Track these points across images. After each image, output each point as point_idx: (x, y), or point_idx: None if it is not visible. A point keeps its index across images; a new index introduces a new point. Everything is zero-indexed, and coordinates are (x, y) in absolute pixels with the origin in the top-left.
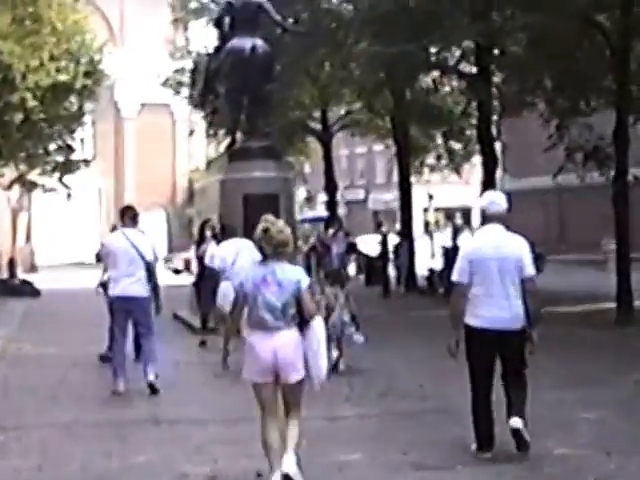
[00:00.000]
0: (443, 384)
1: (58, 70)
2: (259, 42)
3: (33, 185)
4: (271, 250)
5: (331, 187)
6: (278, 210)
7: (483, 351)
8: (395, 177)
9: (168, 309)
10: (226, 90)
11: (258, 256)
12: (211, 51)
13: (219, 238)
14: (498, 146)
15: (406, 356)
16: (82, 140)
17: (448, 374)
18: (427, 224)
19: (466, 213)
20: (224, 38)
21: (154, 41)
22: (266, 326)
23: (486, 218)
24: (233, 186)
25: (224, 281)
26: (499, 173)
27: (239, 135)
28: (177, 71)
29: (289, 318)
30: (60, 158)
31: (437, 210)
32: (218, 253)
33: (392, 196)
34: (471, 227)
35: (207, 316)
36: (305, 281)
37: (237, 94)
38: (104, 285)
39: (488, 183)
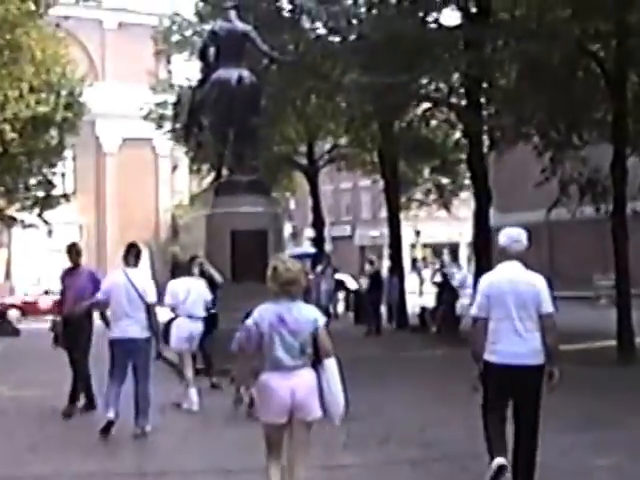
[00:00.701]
0: (445, 429)
1: (38, 102)
2: (245, 73)
3: (12, 220)
4: (278, 288)
5: (318, 223)
6: (266, 246)
7: (500, 386)
8: (382, 213)
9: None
10: (211, 122)
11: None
12: (195, 84)
13: (207, 275)
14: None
15: (403, 399)
16: (63, 175)
17: (448, 418)
18: (414, 260)
19: (454, 249)
20: (209, 69)
21: (136, 75)
22: (283, 366)
23: (505, 255)
24: (220, 221)
25: (178, 318)
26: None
27: (225, 169)
28: (159, 104)
29: (306, 357)
30: (40, 193)
31: (424, 246)
32: (169, 289)
33: (378, 232)
34: (459, 263)
35: (210, 356)
36: (322, 319)
37: (223, 126)
38: (167, 330)
39: (481, 217)
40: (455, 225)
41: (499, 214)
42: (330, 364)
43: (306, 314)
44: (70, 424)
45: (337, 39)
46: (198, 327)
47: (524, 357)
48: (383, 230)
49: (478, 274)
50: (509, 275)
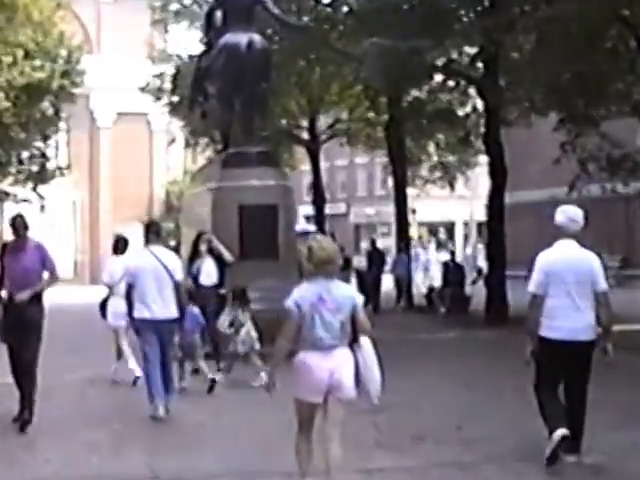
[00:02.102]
0: (483, 423)
1: (33, 69)
2: (256, 37)
3: (5, 195)
4: (313, 268)
5: (319, 200)
6: (277, 222)
7: (557, 362)
8: (378, 190)
9: None
10: (218, 89)
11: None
12: (198, 52)
13: (216, 253)
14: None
15: (430, 387)
16: (56, 146)
17: (483, 409)
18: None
19: (449, 228)
20: (215, 33)
21: (131, 48)
22: (323, 345)
23: (562, 234)
24: (227, 195)
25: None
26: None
27: (232, 139)
28: (157, 76)
29: (344, 336)
30: (34, 167)
31: (420, 225)
32: (108, 267)
33: (374, 210)
34: (454, 242)
35: (219, 340)
36: (360, 298)
37: (231, 94)
38: (103, 307)
39: (496, 194)
40: (451, 204)
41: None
42: (366, 342)
43: (344, 293)
44: (68, 413)
45: (345, 9)
46: None
47: (581, 333)
48: (379, 208)
49: (492, 252)
50: (568, 253)
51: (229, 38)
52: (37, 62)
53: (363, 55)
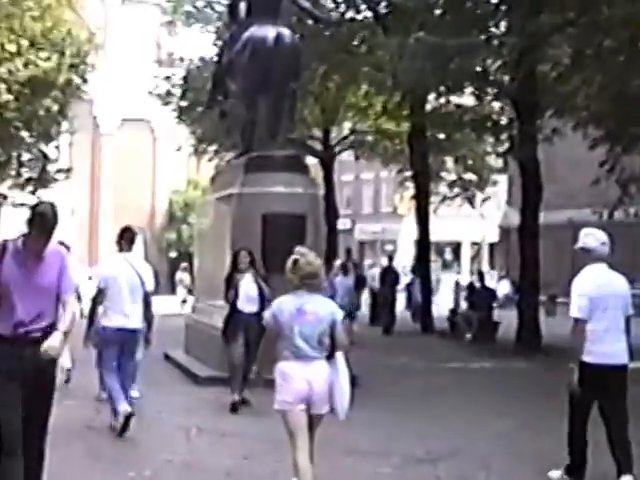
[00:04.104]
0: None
1: (39, 60)
2: (285, 31)
3: (3, 199)
4: (298, 281)
5: (331, 215)
6: (304, 234)
7: (596, 387)
8: (384, 207)
9: (157, 346)
10: (242, 87)
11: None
12: (207, 56)
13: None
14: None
15: (482, 429)
16: (58, 147)
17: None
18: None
19: (455, 248)
20: (239, 27)
21: (137, 54)
22: (302, 355)
23: (593, 257)
24: (250, 203)
25: None
26: (504, 207)
27: (256, 142)
28: (166, 78)
29: (323, 349)
30: (34, 173)
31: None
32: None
33: (379, 227)
34: (460, 263)
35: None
36: (340, 313)
37: (256, 92)
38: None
39: (530, 215)
40: (458, 223)
41: (518, 214)
42: (340, 358)
43: (325, 307)
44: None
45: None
46: None
47: (621, 356)
48: (384, 225)
49: (525, 276)
50: (605, 277)
51: (255, 31)
52: (43, 54)
53: (399, 55)
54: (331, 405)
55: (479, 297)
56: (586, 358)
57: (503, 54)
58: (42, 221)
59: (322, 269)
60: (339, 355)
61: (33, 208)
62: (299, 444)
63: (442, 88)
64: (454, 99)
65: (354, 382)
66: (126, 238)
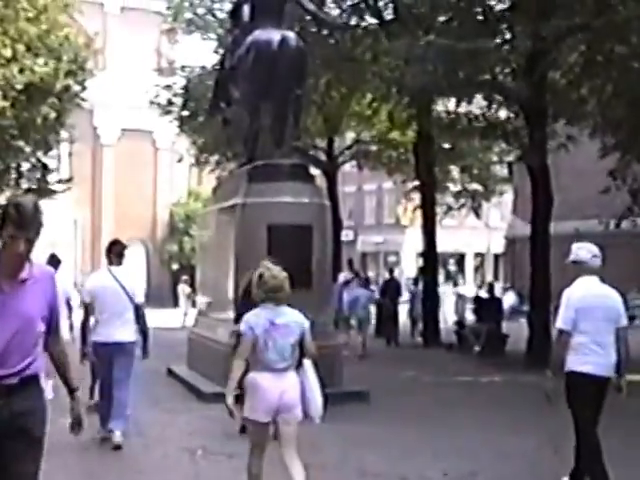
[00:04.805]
0: None
1: (36, 66)
2: (290, 34)
3: None
4: (263, 294)
5: (335, 226)
6: (311, 245)
7: (592, 398)
8: (386, 218)
9: (159, 360)
10: (245, 93)
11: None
12: (208, 64)
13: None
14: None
15: (501, 448)
16: (58, 158)
17: None
18: (422, 269)
19: (459, 259)
20: (242, 30)
21: (138, 64)
22: (274, 368)
23: (584, 270)
24: (254, 213)
25: None
26: (510, 217)
27: (260, 150)
28: (167, 87)
29: (294, 359)
30: (33, 180)
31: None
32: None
33: (382, 238)
34: (464, 274)
35: None
36: (307, 323)
37: (259, 98)
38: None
39: (540, 225)
40: (462, 234)
41: (525, 224)
42: (309, 365)
43: (294, 318)
44: None
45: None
46: None
47: (610, 369)
48: (386, 237)
49: (536, 288)
50: (595, 290)
51: (259, 35)
52: (40, 60)
53: (407, 58)
54: (306, 412)
55: (488, 309)
56: (579, 368)
57: (512, 60)
58: (19, 215)
59: (287, 282)
60: (307, 363)
61: (7, 202)
62: (257, 453)
63: (451, 93)
64: (462, 105)
65: (365, 398)
66: (114, 251)
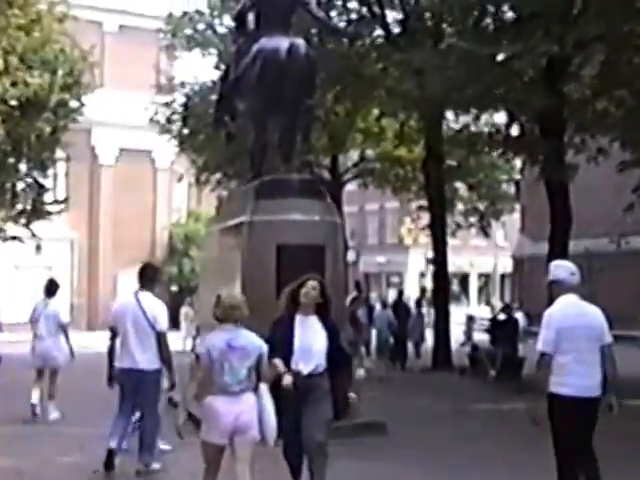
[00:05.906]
0: None
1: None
2: (299, 41)
3: None
4: (221, 313)
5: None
6: (323, 266)
7: (575, 421)
8: (389, 238)
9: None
10: (251, 105)
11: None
12: (208, 80)
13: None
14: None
15: None
16: (55, 177)
17: None
18: (424, 290)
19: (463, 279)
20: (247, 40)
21: (136, 83)
22: (230, 391)
23: (563, 288)
24: (262, 232)
25: None
26: (518, 236)
27: (267, 165)
28: (167, 104)
29: (250, 382)
30: (28, 200)
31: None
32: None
33: (385, 259)
34: (468, 294)
35: None
36: (264, 346)
37: (267, 110)
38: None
39: (558, 246)
40: (466, 253)
41: (532, 243)
42: (264, 389)
43: (251, 340)
44: None
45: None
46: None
47: (595, 389)
48: (389, 257)
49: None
50: (575, 309)
51: (265, 43)
52: (34, 73)
53: (421, 69)
54: (261, 434)
55: (504, 331)
56: (559, 390)
57: (530, 69)
58: None
59: (245, 303)
60: (263, 387)
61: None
62: (212, 472)
63: (470, 105)
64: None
65: (382, 430)
66: (146, 276)
